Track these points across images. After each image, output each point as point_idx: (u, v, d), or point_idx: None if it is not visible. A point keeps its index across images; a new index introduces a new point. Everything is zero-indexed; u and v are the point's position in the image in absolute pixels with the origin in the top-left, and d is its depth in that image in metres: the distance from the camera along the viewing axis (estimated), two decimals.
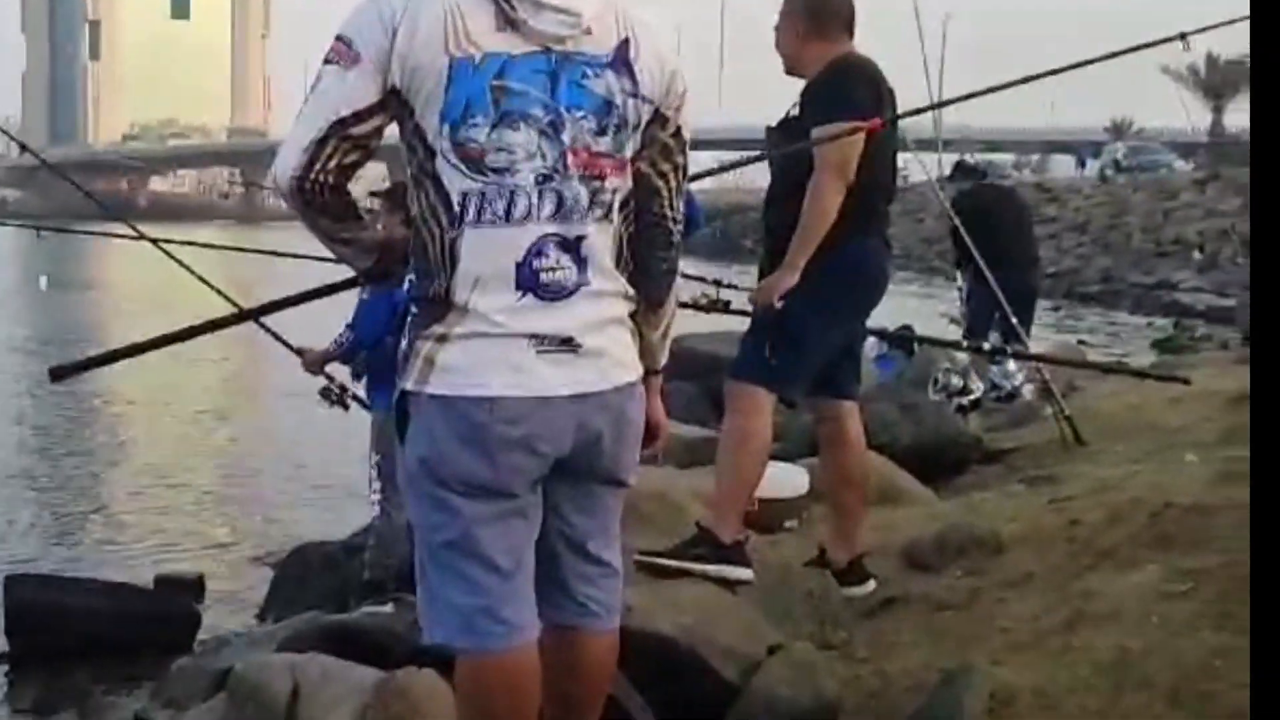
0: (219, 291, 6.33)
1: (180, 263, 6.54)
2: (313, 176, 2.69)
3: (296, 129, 2.71)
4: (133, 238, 6.74)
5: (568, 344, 2.75)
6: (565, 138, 2.71)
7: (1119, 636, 3.90)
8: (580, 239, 2.75)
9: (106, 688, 7.10)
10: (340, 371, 6.99)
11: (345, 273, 3.24)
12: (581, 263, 2.76)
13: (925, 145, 5.19)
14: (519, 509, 2.81)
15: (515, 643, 2.81)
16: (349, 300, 6.13)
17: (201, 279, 6.58)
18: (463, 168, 2.67)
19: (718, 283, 7.89)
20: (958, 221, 9.07)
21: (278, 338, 6.52)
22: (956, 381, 9.61)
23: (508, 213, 2.69)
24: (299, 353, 6.81)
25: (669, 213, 2.96)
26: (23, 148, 9.06)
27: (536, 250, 2.71)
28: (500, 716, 2.86)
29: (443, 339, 2.73)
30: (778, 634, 4.23)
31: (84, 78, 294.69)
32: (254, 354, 16.02)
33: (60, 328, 25.43)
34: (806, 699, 3.88)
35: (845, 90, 4.60)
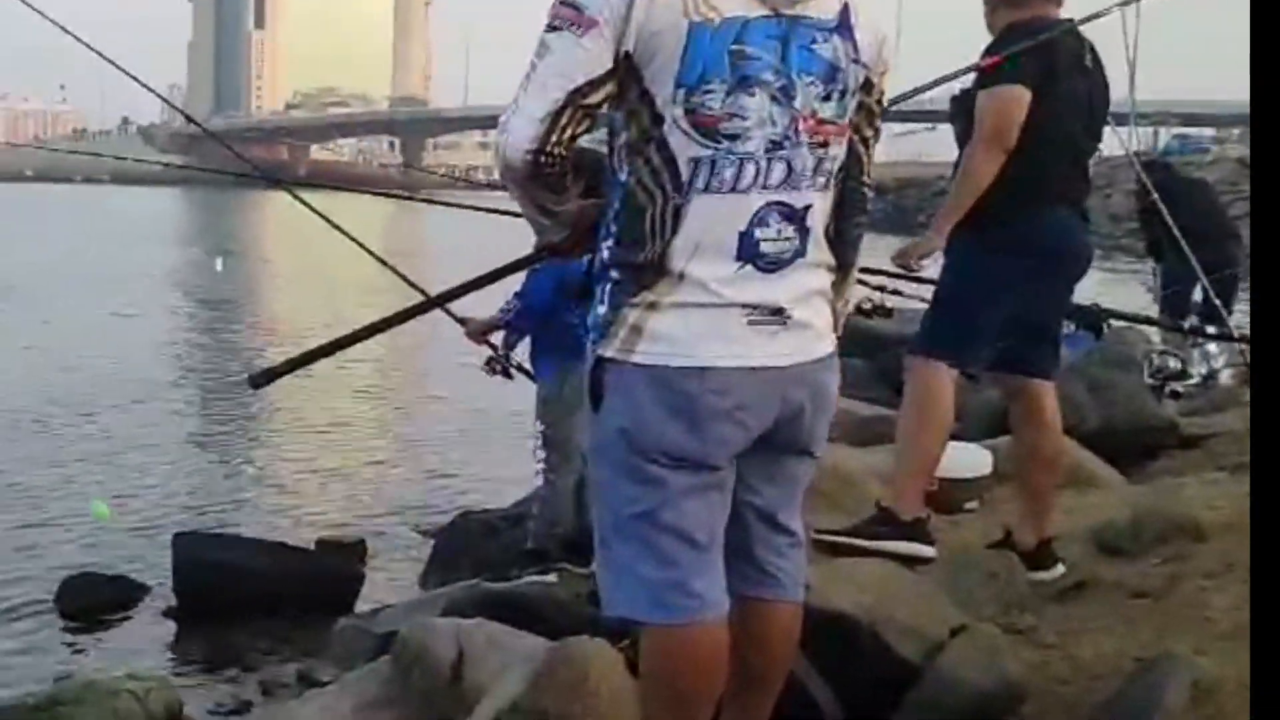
0: (402, 277, 6.30)
1: (360, 244, 6.52)
2: (549, 149, 2.60)
3: (528, 101, 2.59)
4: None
5: (778, 315, 2.68)
6: (797, 104, 2.64)
7: None
8: (807, 208, 2.69)
9: (270, 646, 7.20)
10: (502, 341, 6.97)
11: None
12: (805, 233, 2.70)
13: (1117, 119, 4.97)
14: (719, 482, 2.75)
15: (707, 617, 2.74)
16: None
17: (381, 260, 6.58)
18: (694, 134, 2.60)
19: (881, 289, 7.75)
20: (1156, 195, 8.76)
21: (444, 309, 6.50)
22: (1174, 365, 9.35)
23: (735, 181, 2.62)
24: (463, 322, 6.80)
25: (866, 179, 2.90)
26: (187, 118, 9.15)
27: (760, 219, 2.64)
28: (688, 691, 2.80)
29: (653, 306, 2.65)
30: (961, 616, 4.08)
31: (248, 46, 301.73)
32: (418, 322, 16.15)
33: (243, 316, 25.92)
34: (991, 682, 3.74)
35: (1013, 54, 4.43)
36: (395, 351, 17.44)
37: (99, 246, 38.35)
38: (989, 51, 4.52)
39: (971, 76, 4.63)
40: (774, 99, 2.61)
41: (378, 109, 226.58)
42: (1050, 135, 4.44)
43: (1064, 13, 4.66)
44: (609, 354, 2.69)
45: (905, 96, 5.16)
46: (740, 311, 2.64)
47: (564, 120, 2.58)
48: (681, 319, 2.63)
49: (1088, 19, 4.80)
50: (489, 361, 7.00)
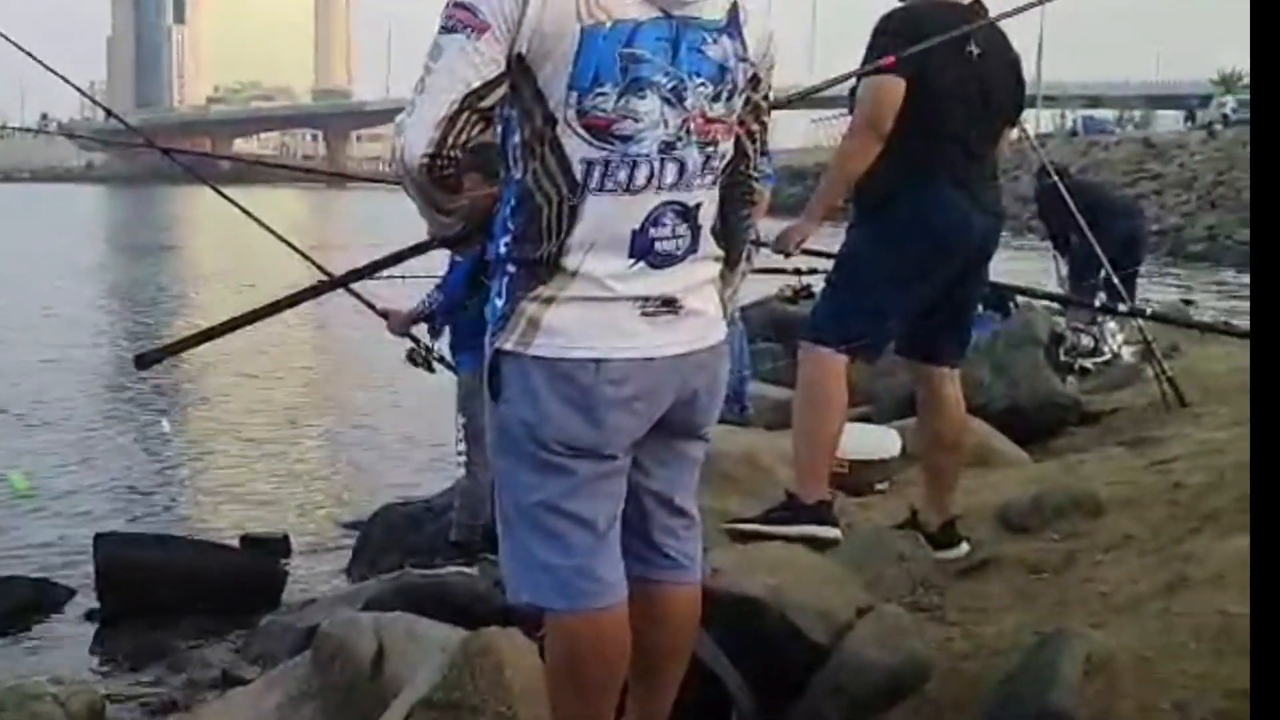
0: (306, 257, 6.32)
1: (271, 229, 6.51)
2: (444, 153, 2.60)
3: (423, 105, 2.59)
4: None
5: (669, 305, 2.73)
6: (688, 104, 2.68)
7: (1221, 602, 3.80)
8: (698, 206, 2.74)
9: (194, 644, 7.17)
10: (426, 333, 6.99)
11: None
12: (696, 230, 2.75)
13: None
14: (617, 469, 2.80)
15: (609, 601, 2.80)
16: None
17: (290, 244, 6.57)
18: (586, 136, 2.62)
19: (798, 271, 7.84)
20: (1056, 178, 8.91)
21: (364, 301, 6.53)
22: (1087, 342, 9.49)
23: (629, 181, 2.65)
24: (384, 315, 6.82)
25: (753, 171, 2.94)
26: (108, 113, 9.08)
27: (654, 219, 2.68)
28: (592, 676, 2.85)
29: (549, 301, 2.69)
30: (868, 596, 4.15)
31: (168, 41, 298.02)
32: (338, 315, 16.13)
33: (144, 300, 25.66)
34: (897, 661, 3.79)
35: (878, 45, 4.52)
36: (317, 346, 17.38)
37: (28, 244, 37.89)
38: (873, 32, 4.57)
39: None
40: (666, 100, 2.64)
41: (300, 103, 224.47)
42: (929, 121, 4.49)
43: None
44: (507, 346, 2.73)
45: (822, 87, 5.26)
46: (633, 304, 2.69)
47: (460, 124, 2.58)
48: (576, 313, 2.67)
49: (1002, 16, 4.84)
50: (410, 354, 7.03)
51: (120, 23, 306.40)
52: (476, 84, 2.57)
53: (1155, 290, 19.99)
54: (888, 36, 4.51)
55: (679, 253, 2.72)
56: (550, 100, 2.62)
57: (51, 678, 5.77)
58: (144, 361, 3.59)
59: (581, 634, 2.82)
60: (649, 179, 2.66)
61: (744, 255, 3.02)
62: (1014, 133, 5.16)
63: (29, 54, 6.31)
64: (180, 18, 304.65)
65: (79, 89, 7.52)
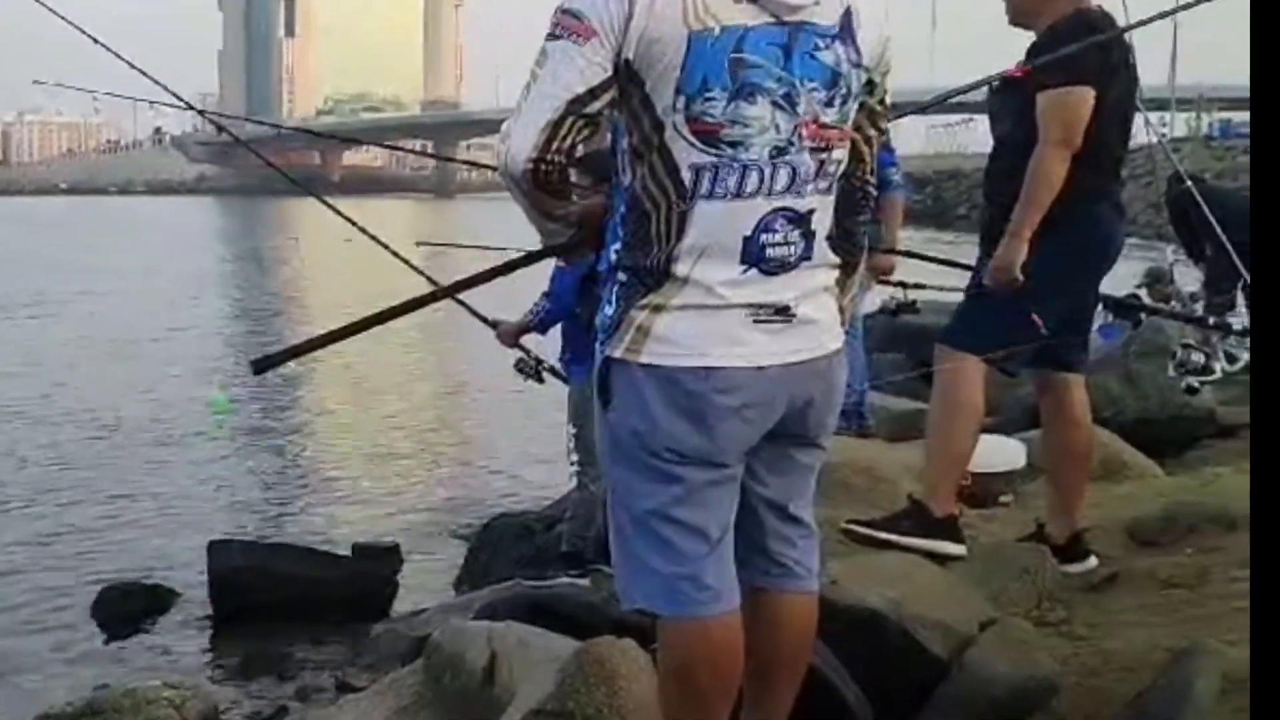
0: (414, 268, 6.31)
1: (376, 239, 6.53)
2: (549, 158, 2.61)
3: (528, 110, 2.60)
4: None
5: (783, 313, 2.69)
6: (800, 110, 2.64)
7: None
8: (811, 212, 2.70)
9: (306, 651, 7.23)
10: (536, 344, 6.97)
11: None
12: (809, 236, 2.70)
13: (1155, 104, 4.86)
14: (729, 477, 2.77)
15: (719, 609, 2.76)
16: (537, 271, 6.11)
17: (397, 254, 6.58)
18: (695, 141, 2.60)
19: (903, 284, 7.71)
20: (1190, 184, 8.68)
21: (473, 311, 6.51)
22: (1197, 359, 9.26)
23: (739, 187, 2.62)
24: (494, 325, 6.82)
25: (869, 177, 2.90)
26: (218, 128, 9.20)
27: (765, 225, 2.64)
28: (703, 683, 2.81)
29: (659, 309, 2.67)
30: (991, 610, 4.07)
31: (279, 53, 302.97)
32: (450, 327, 16.23)
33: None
34: (1021, 676, 3.72)
35: (1074, 54, 4.38)
36: (429, 356, 17.52)
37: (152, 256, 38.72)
38: (1047, 44, 4.44)
39: (1007, 67, 4.59)
40: (777, 105, 2.61)
41: (410, 113, 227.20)
42: (1101, 135, 4.42)
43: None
44: (617, 354, 2.70)
45: (944, 98, 5.15)
46: (745, 311, 2.65)
47: (564, 129, 2.59)
48: (687, 321, 2.65)
49: (1145, 21, 4.72)
50: (519, 364, 7.02)
51: (231, 37, 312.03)
52: (581, 90, 2.57)
53: None
54: (1080, 37, 4.38)
55: (792, 259, 2.68)
56: (658, 106, 2.59)
57: (167, 682, 5.84)
58: (260, 366, 3.59)
59: (692, 641, 2.79)
60: (760, 184, 2.63)
61: (860, 261, 2.96)
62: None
63: (139, 70, 6.36)
64: (291, 31, 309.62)
65: (188, 103, 7.57)
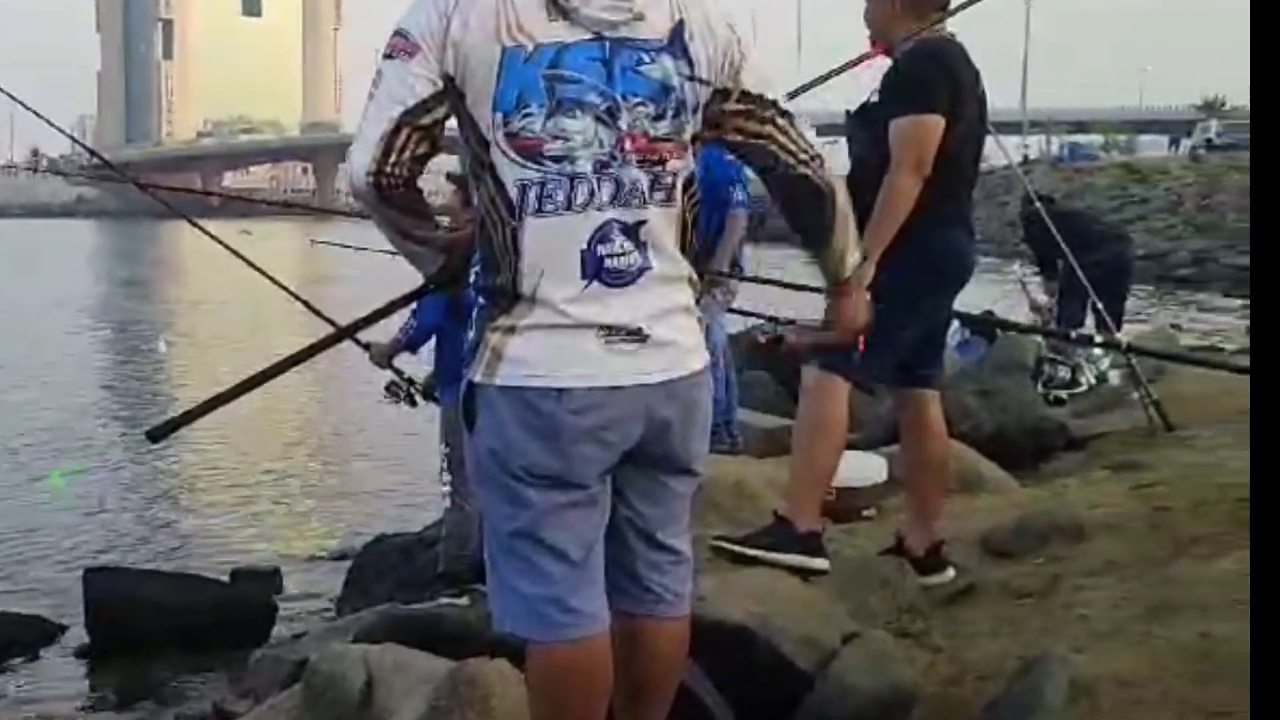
0: (308, 305, 6.30)
1: (266, 275, 6.51)
2: (388, 170, 2.66)
3: (366, 127, 2.68)
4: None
5: (635, 335, 2.70)
6: (622, 124, 2.67)
7: (1204, 625, 3.82)
8: (640, 224, 2.71)
9: (184, 678, 7.19)
10: (407, 366, 6.99)
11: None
12: (642, 246, 2.71)
13: (1008, 128, 4.99)
14: (590, 498, 2.78)
15: (585, 633, 2.78)
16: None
17: (289, 290, 6.58)
18: (518, 158, 2.64)
19: (775, 320, 7.86)
20: (1038, 203, 8.93)
21: (349, 336, 6.51)
22: (1063, 374, 9.50)
23: (569, 200, 2.65)
24: (366, 347, 6.81)
25: (796, 153, 2.89)
26: (91, 153, 9.08)
27: (600, 236, 2.67)
28: (571, 706, 2.84)
29: (510, 330, 2.70)
30: (854, 623, 4.16)
31: (158, 76, 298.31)
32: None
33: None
34: (883, 687, 3.79)
35: (925, 82, 4.52)
36: (301, 380, 17.34)
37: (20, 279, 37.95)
38: (904, 71, 4.56)
39: (866, 93, 4.71)
40: (599, 120, 2.64)
41: (289, 135, 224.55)
42: (952, 159, 4.53)
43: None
44: (476, 378, 2.74)
45: (800, 91, 5.23)
46: (595, 331, 2.67)
47: (399, 141, 2.65)
48: (537, 341, 2.67)
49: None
50: (390, 386, 7.01)
51: (109, 58, 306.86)
52: (412, 102, 2.63)
53: (1142, 315, 20.04)
54: (929, 80, 4.52)
55: (633, 269, 2.70)
56: (481, 123, 2.65)
57: (41, 714, 5.78)
58: (156, 435, 3.64)
59: (559, 664, 2.81)
60: (590, 197, 2.66)
61: (845, 230, 3.03)
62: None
63: (13, 98, 6.33)
64: (169, 53, 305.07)
65: (64, 131, 7.51)
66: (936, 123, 4.49)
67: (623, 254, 2.68)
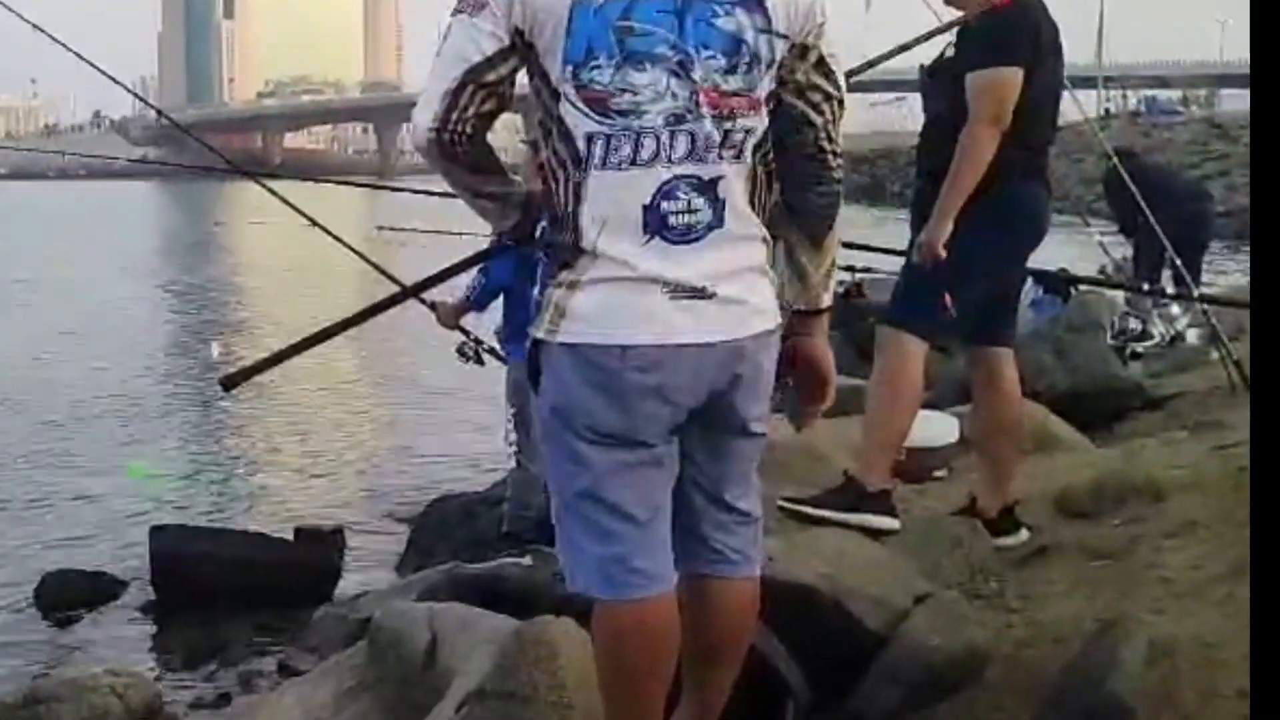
0: (373, 264, 6.28)
1: (338, 238, 6.49)
2: (450, 127, 2.65)
3: (430, 83, 2.67)
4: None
5: (701, 293, 2.66)
6: (696, 77, 2.63)
7: None
8: (714, 180, 2.67)
9: (249, 636, 7.21)
10: (476, 326, 6.97)
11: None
12: (714, 203, 2.67)
13: (1084, 83, 4.84)
14: (654, 458, 2.75)
15: (651, 592, 2.76)
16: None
17: (355, 250, 6.55)
18: (587, 110, 2.61)
19: (851, 268, 7.76)
20: (1115, 160, 8.78)
21: (415, 296, 6.49)
22: (1135, 326, 9.39)
23: (634, 155, 2.62)
24: (433, 307, 6.79)
25: (826, 145, 2.84)
26: (159, 113, 9.12)
27: (665, 193, 2.63)
28: (638, 665, 2.82)
29: (573, 286, 2.67)
30: (925, 584, 4.10)
31: (218, 36, 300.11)
32: (389, 312, 16.13)
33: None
34: (955, 648, 3.76)
35: (1004, 36, 4.45)
36: (367, 339, 17.41)
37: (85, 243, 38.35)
38: (981, 26, 4.45)
39: (940, 47, 4.63)
40: (672, 73, 2.61)
41: (350, 95, 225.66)
42: (1030, 114, 4.47)
43: None
44: (540, 335, 2.71)
45: (862, 69, 5.16)
46: (660, 288, 2.63)
47: (463, 99, 2.63)
48: (600, 297, 2.64)
49: None
50: (460, 348, 7.01)
51: (170, 18, 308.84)
52: (477, 59, 2.62)
53: (1223, 272, 19.76)
54: (1009, 33, 4.44)
55: (699, 227, 2.66)
56: (551, 75, 2.62)
57: (108, 669, 5.81)
58: (229, 384, 3.66)
59: (624, 623, 2.79)
60: (657, 152, 2.62)
61: (828, 232, 2.91)
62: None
63: (79, 56, 6.33)
64: (229, 13, 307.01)
65: (128, 88, 7.52)
66: (1016, 75, 4.42)
67: (690, 211, 2.64)
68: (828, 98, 2.82)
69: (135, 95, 8.09)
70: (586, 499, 2.73)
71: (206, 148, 8.29)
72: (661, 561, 2.79)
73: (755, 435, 2.89)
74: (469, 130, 2.66)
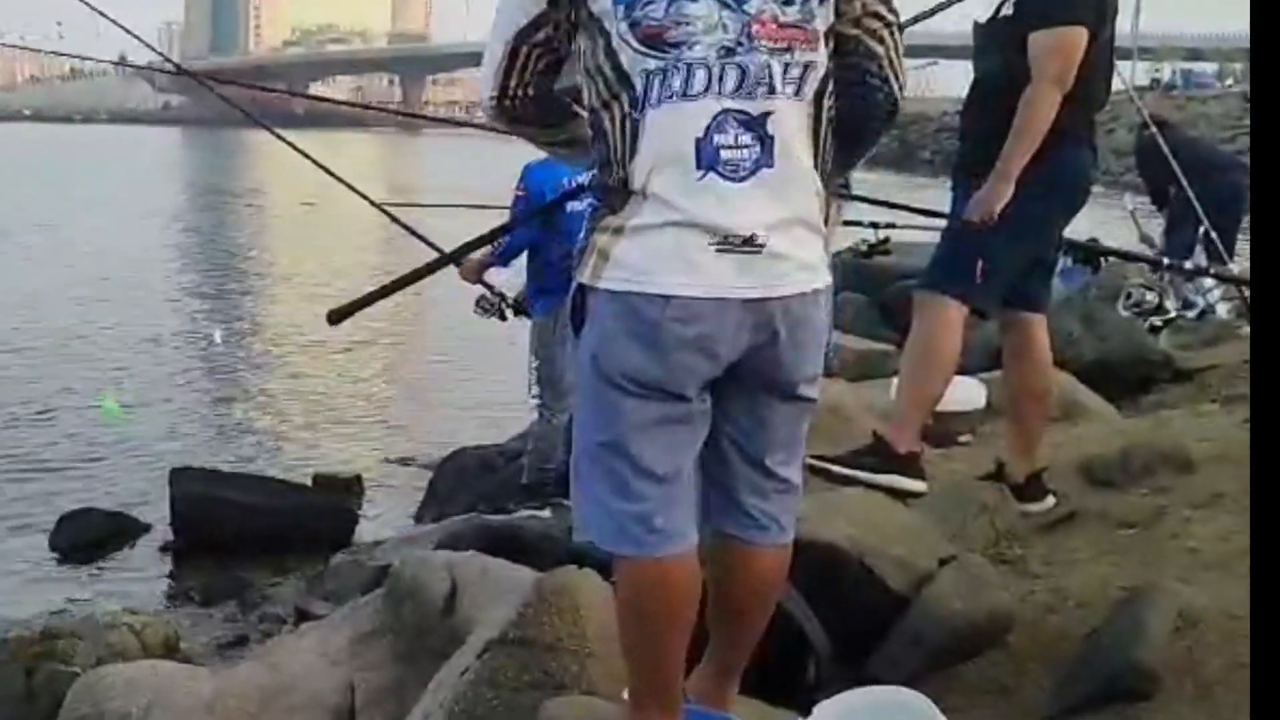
0: (406, 228, 6.25)
1: (360, 193, 6.42)
2: (512, 93, 2.71)
3: (490, 48, 2.72)
4: None
5: (749, 243, 2.58)
6: (750, 8, 2.57)
7: None
8: (766, 115, 2.59)
9: (266, 579, 7.24)
10: (497, 280, 6.94)
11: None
12: (765, 141, 2.59)
13: (1118, 54, 4.81)
14: (686, 414, 2.68)
15: (670, 551, 2.70)
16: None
17: (389, 215, 6.51)
18: (641, 47, 2.55)
19: (875, 225, 7.68)
20: (1154, 129, 8.68)
21: (434, 248, 6.46)
22: (1151, 298, 9.31)
23: (685, 88, 2.55)
24: (456, 262, 6.76)
25: (889, 73, 2.79)
26: (177, 68, 9.01)
27: (718, 125, 2.56)
28: (657, 620, 2.78)
29: (619, 231, 2.61)
30: (950, 547, 4.08)
31: None
32: (410, 264, 16.12)
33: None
34: (979, 612, 3.75)
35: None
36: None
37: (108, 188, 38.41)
38: None
39: (992, 4, 4.56)
40: (724, 4, 2.55)
41: (377, 46, 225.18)
42: (1091, 78, 4.39)
43: None
44: (583, 279, 2.66)
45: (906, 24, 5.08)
46: (708, 238, 2.56)
47: (520, 60, 2.68)
48: (644, 244, 2.58)
49: None
50: (480, 301, 6.97)
51: None
52: (524, 22, 2.66)
53: None
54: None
55: (748, 163, 2.57)
56: (604, 18, 2.57)
57: (126, 608, 5.83)
58: (335, 318, 3.90)
59: (645, 579, 2.74)
60: (707, 85, 2.55)
61: (835, 193, 2.91)
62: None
63: (97, 10, 6.27)
64: None
65: (144, 41, 7.42)
66: (1081, 36, 4.33)
67: (741, 146, 2.56)
68: (887, 25, 2.76)
69: (149, 47, 7.99)
70: (612, 451, 2.67)
71: (223, 100, 8.19)
72: (680, 519, 2.72)
73: (803, 400, 2.80)
74: (531, 91, 2.72)
